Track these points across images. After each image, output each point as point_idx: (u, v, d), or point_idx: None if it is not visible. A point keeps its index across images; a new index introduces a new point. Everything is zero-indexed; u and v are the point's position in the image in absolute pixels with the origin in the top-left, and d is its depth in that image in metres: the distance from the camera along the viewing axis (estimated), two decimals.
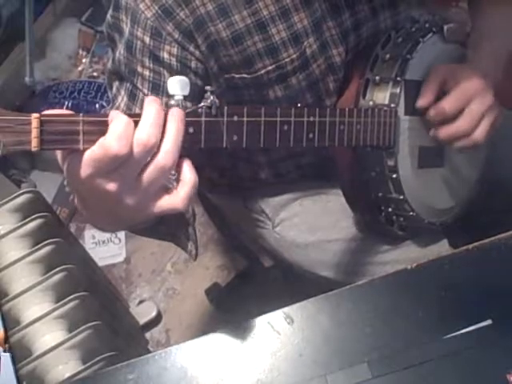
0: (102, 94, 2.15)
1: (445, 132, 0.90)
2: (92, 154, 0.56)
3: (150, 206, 0.60)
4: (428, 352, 0.76)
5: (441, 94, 0.90)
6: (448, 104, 0.89)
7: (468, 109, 0.89)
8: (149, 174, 0.58)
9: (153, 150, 0.57)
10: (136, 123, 0.57)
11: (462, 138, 0.90)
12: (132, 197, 0.59)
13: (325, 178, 1.10)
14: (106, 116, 0.56)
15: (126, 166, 0.57)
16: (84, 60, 2.37)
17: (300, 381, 0.76)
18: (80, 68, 2.36)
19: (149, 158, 0.58)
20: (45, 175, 2.12)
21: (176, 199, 0.60)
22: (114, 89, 0.90)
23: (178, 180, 0.61)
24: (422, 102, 0.90)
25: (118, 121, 0.56)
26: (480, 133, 0.90)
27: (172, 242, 0.83)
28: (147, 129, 0.57)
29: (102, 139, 0.55)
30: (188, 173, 0.61)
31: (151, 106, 0.58)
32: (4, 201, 1.19)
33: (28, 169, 2.13)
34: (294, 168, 1.09)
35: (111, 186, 0.58)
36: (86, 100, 2.21)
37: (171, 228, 0.79)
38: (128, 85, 0.87)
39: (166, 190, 0.61)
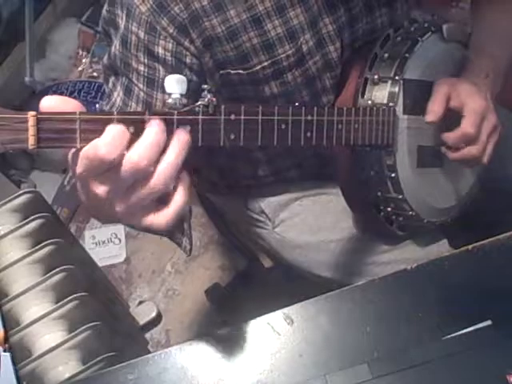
0: (102, 94, 2.15)
1: (458, 156, 0.93)
2: (85, 152, 0.56)
3: (135, 218, 0.60)
4: (428, 352, 0.76)
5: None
6: (469, 127, 0.91)
7: (481, 132, 0.91)
8: (138, 192, 0.58)
9: (142, 172, 0.56)
10: (136, 124, 0.57)
11: (472, 162, 0.94)
12: (119, 205, 0.59)
13: (325, 178, 1.10)
14: (103, 114, 0.56)
15: (114, 174, 0.56)
16: (84, 60, 2.37)
17: (300, 381, 0.76)
18: (80, 68, 2.36)
19: (138, 177, 0.57)
20: (45, 175, 2.12)
21: (161, 219, 0.60)
22: (110, 84, 0.90)
23: (169, 194, 0.60)
24: (429, 119, 0.91)
25: (112, 127, 0.55)
26: (487, 155, 0.94)
27: (167, 236, 0.83)
28: (141, 150, 0.56)
29: (95, 140, 0.55)
30: (180, 194, 0.60)
31: (153, 127, 0.57)
32: (4, 201, 1.19)
33: (28, 169, 2.13)
34: (292, 165, 1.09)
35: (100, 188, 0.58)
36: (86, 100, 2.22)
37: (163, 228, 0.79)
38: (124, 80, 0.87)
39: (154, 204, 0.60)
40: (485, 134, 0.92)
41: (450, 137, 0.92)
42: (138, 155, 0.56)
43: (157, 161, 0.57)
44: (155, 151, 0.56)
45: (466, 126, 0.90)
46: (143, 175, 0.57)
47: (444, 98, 0.91)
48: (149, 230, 0.62)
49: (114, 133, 0.55)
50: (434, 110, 0.91)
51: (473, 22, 1.05)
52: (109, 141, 0.55)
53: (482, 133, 0.92)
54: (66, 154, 0.60)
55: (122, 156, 0.55)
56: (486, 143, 0.92)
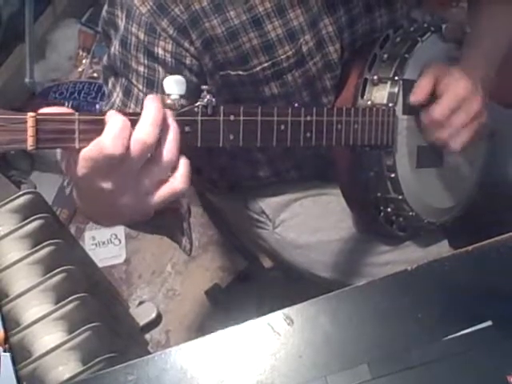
0: (103, 94, 2.15)
1: (429, 135, 0.92)
2: (88, 153, 0.56)
3: (151, 198, 0.61)
4: (428, 353, 0.76)
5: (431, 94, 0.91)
6: (437, 111, 0.90)
7: (454, 116, 0.90)
8: (151, 170, 0.59)
9: (151, 149, 0.58)
10: (134, 122, 0.57)
11: (442, 144, 0.92)
12: (132, 194, 0.59)
13: (325, 179, 1.10)
14: (102, 115, 0.57)
15: (124, 165, 0.57)
16: (84, 61, 2.37)
17: (300, 382, 0.76)
18: (80, 69, 2.36)
19: (148, 156, 0.58)
20: (45, 176, 2.12)
21: (175, 182, 0.61)
22: (110, 84, 0.90)
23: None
24: (413, 99, 0.90)
25: (114, 121, 0.56)
26: (458, 142, 0.91)
27: (167, 236, 0.83)
28: (146, 128, 0.57)
29: (98, 139, 0.56)
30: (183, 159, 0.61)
31: (151, 105, 0.58)
32: (4, 202, 1.18)
33: (28, 170, 2.13)
34: (293, 166, 1.09)
35: (109, 185, 0.58)
36: (86, 101, 2.22)
37: (166, 222, 0.79)
38: (123, 80, 0.87)
39: (162, 179, 0.61)
40: (458, 119, 0.90)
41: (421, 117, 0.92)
42: (144, 133, 0.57)
43: (162, 136, 0.58)
44: (158, 127, 0.58)
45: (434, 111, 0.90)
46: (149, 153, 0.58)
47: (430, 80, 0.90)
48: (163, 206, 0.62)
49: (116, 127, 0.56)
50: (418, 91, 0.90)
51: (469, 21, 1.05)
52: (112, 136, 0.55)
53: (455, 118, 0.90)
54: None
55: (127, 147, 0.56)
56: (459, 129, 0.90)
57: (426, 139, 0.93)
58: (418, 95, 0.90)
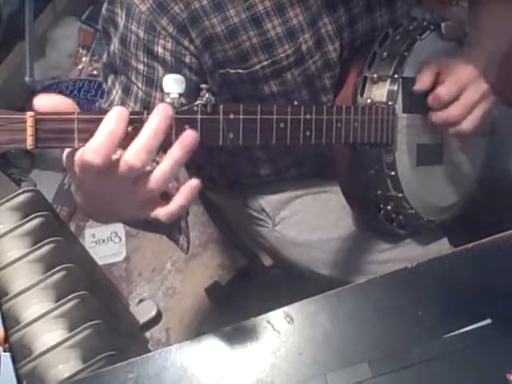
0: (103, 92, 2.15)
1: (438, 117, 0.92)
2: (77, 158, 0.56)
3: (144, 210, 0.60)
4: (428, 351, 0.76)
5: (436, 85, 0.91)
6: (443, 90, 0.90)
7: (462, 96, 0.90)
8: (141, 189, 0.58)
9: (138, 172, 0.56)
10: (134, 123, 0.57)
11: (454, 125, 0.92)
12: (125, 202, 0.59)
13: (325, 176, 1.10)
14: (101, 113, 0.56)
15: (112, 174, 0.56)
16: (84, 58, 2.37)
17: (300, 380, 0.76)
18: (80, 66, 2.36)
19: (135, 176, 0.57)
20: (45, 174, 2.12)
21: (171, 207, 0.60)
22: (109, 82, 0.90)
23: (178, 183, 0.60)
24: (417, 87, 0.91)
25: (101, 129, 0.55)
26: (470, 121, 0.91)
27: (165, 234, 0.83)
28: (137, 152, 0.56)
29: (86, 144, 0.55)
30: (180, 197, 0.60)
31: (149, 126, 0.56)
32: (4, 200, 1.19)
33: (28, 168, 2.14)
34: (293, 164, 1.09)
35: (100, 189, 0.57)
36: (86, 98, 2.22)
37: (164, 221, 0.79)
38: (122, 78, 0.87)
39: (164, 194, 0.60)
40: (469, 97, 0.90)
41: (428, 99, 0.91)
42: (134, 156, 0.56)
43: (154, 161, 0.57)
44: (151, 154, 0.56)
45: (440, 89, 0.90)
46: (140, 174, 0.57)
47: (434, 69, 0.91)
48: (155, 222, 0.62)
49: (101, 137, 0.55)
50: (421, 78, 0.90)
51: (469, 20, 1.05)
52: (94, 146, 0.54)
53: (466, 95, 0.90)
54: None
55: (110, 159, 0.55)
56: (470, 108, 0.90)
57: (432, 121, 0.92)
58: (422, 83, 0.90)
